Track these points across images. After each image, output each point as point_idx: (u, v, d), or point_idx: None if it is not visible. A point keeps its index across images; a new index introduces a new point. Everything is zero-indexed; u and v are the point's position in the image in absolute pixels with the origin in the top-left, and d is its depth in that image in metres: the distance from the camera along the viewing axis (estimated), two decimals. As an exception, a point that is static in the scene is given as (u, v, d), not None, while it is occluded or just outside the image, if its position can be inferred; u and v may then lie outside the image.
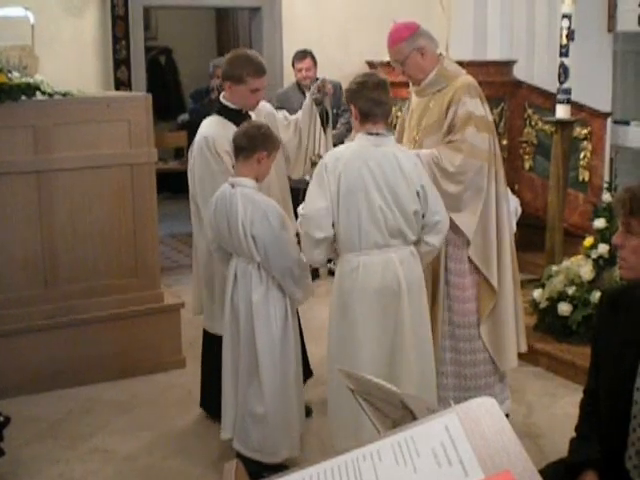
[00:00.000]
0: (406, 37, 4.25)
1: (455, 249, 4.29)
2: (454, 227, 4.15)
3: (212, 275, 4.40)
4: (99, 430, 4.64)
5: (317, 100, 4.62)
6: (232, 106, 4.38)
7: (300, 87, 7.26)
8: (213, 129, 4.31)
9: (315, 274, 4.19)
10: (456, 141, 4.17)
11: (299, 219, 3.93)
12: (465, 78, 4.32)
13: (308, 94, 4.72)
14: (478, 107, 4.22)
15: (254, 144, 3.94)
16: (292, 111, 6.28)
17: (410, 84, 4.47)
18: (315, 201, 3.75)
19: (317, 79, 7.17)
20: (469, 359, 4.35)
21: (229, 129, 4.22)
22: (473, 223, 4.23)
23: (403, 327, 3.76)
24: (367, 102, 3.78)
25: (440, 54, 4.38)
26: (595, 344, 2.89)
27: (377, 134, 3.80)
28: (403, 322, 3.76)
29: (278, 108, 7.12)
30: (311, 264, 4.08)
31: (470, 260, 4.29)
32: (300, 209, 3.93)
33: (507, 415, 4.49)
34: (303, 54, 7.29)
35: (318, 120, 4.61)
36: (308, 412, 4.55)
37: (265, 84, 4.40)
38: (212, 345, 4.43)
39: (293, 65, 7.35)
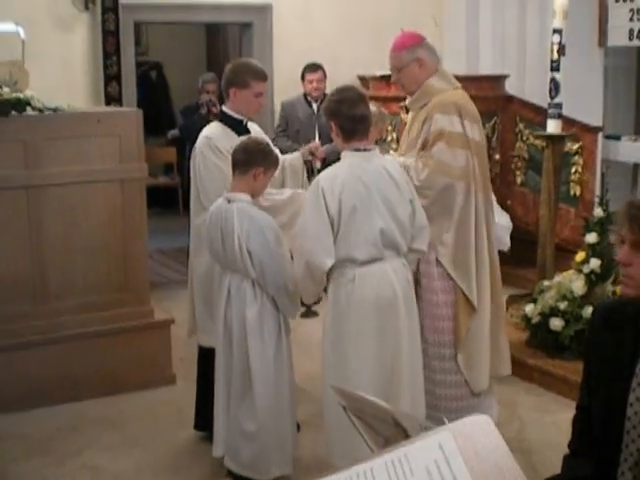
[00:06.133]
0: (408, 46, 4.27)
1: (426, 265, 4.22)
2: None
3: (210, 289, 4.33)
4: (88, 447, 4.59)
5: (307, 162, 4.71)
6: (234, 115, 4.47)
7: (307, 98, 7.46)
8: (215, 131, 4.42)
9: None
10: (424, 157, 4.15)
11: (295, 245, 3.81)
12: (447, 95, 4.23)
13: (300, 153, 4.71)
14: (454, 124, 4.14)
15: (252, 159, 3.92)
16: (296, 120, 6.18)
17: (406, 98, 4.46)
18: (315, 227, 3.69)
19: (324, 95, 7.24)
20: (439, 379, 4.24)
21: (231, 135, 4.34)
22: (441, 237, 4.17)
23: (401, 337, 3.74)
24: (348, 120, 3.76)
25: (437, 70, 4.31)
26: (587, 359, 2.87)
27: (365, 150, 3.78)
28: (401, 332, 3.74)
29: (283, 117, 7.32)
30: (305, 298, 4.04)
31: (443, 278, 4.20)
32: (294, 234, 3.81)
33: None
34: (315, 67, 7.47)
35: (305, 174, 4.68)
36: (297, 428, 4.50)
37: (266, 89, 4.56)
38: (208, 362, 4.34)
39: (302, 77, 7.49)
